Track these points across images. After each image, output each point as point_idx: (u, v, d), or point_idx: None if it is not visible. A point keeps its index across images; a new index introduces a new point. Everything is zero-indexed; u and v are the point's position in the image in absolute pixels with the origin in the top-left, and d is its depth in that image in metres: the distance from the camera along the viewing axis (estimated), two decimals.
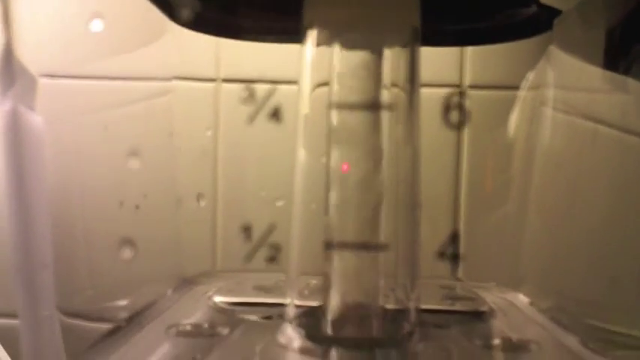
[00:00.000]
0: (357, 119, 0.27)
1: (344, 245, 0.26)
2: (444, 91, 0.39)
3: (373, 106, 0.27)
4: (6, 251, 0.23)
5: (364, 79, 0.27)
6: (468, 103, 0.39)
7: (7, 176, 0.23)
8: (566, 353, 0.28)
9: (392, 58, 0.27)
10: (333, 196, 0.27)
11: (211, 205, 0.39)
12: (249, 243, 0.38)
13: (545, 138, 0.35)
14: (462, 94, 0.39)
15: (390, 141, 0.27)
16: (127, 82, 0.33)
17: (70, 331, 0.27)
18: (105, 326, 0.30)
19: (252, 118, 0.39)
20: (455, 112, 0.39)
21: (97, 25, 0.29)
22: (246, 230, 0.39)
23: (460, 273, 0.39)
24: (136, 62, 0.33)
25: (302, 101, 0.28)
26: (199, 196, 0.39)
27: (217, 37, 0.36)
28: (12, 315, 0.25)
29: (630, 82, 0.29)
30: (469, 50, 0.39)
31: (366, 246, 0.26)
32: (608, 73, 0.30)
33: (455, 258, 0.38)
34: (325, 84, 0.27)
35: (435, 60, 0.38)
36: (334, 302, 0.26)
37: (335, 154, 0.27)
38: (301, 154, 0.28)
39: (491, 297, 0.33)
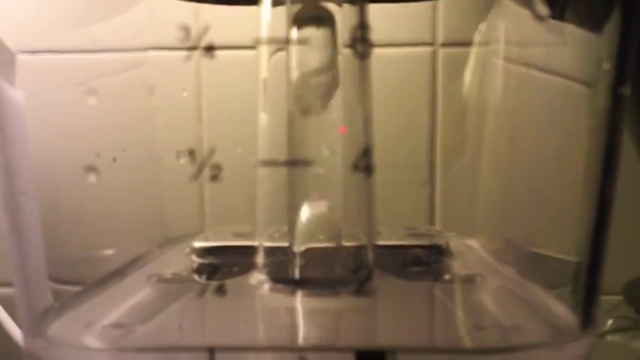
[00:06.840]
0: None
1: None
2: None
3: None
4: None
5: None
6: None
7: None
8: (502, 282, 0.32)
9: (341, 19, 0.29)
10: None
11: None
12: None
13: (495, 88, 0.37)
14: None
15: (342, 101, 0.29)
16: (104, 54, 0.34)
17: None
18: None
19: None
20: None
21: None
22: None
23: None
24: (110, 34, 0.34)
25: (261, 65, 0.29)
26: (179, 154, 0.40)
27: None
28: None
29: (567, 27, 0.30)
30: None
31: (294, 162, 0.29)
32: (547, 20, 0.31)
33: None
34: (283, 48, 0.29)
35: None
36: (300, 243, 0.29)
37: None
38: (262, 119, 0.29)
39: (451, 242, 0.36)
